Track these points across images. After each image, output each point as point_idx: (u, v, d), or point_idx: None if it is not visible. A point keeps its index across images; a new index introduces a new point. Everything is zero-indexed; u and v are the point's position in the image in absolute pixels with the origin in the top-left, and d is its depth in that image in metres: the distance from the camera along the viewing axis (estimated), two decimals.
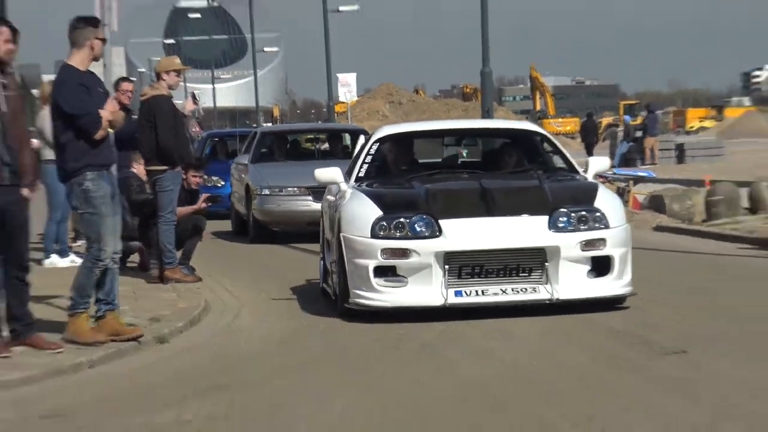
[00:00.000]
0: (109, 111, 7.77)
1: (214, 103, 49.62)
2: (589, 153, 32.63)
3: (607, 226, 8.28)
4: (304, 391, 6.44)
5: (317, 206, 12.06)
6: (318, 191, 12.68)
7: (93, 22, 8.10)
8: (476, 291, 8.22)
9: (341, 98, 40.84)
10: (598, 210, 8.36)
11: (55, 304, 9.19)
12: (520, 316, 8.23)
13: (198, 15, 59.95)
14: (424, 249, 8.26)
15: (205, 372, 7.17)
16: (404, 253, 8.31)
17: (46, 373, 7.18)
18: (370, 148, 10.25)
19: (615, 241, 8.33)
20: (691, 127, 64.13)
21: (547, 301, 8.14)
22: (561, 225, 8.30)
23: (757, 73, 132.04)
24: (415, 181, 9.35)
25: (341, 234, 8.75)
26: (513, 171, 9.77)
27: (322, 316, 9.04)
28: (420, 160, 10.60)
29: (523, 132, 10.91)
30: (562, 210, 8.33)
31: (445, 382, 6.51)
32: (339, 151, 16.80)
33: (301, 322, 9.12)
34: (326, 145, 18.23)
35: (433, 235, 8.32)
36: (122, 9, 11.11)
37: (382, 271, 8.36)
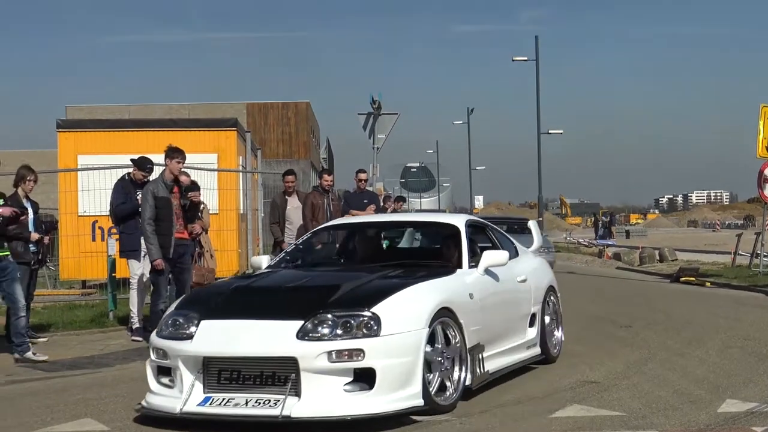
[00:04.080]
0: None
1: (420, 206, 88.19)
2: (596, 234, 53.91)
3: (374, 334, 6.71)
4: None
5: None
6: None
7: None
8: (224, 399, 6.79)
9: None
10: (372, 316, 6.80)
11: None
12: None
13: (415, 169, 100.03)
14: (175, 351, 7.02)
15: None
16: (165, 353, 7.10)
17: None
18: (302, 239, 10.08)
19: (381, 351, 6.68)
20: (632, 223, 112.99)
21: (279, 418, 6.55)
22: (313, 332, 6.74)
23: (661, 198, 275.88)
24: (273, 272, 8.62)
25: None
26: (381, 264, 8.58)
27: None
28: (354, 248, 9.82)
29: (438, 224, 10.12)
30: (324, 315, 6.82)
31: None
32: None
33: None
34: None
35: (188, 337, 7.04)
36: (380, 168, 17.26)
37: (162, 371, 7.21)
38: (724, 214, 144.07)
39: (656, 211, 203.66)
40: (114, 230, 13.34)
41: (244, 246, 19.48)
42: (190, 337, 7.05)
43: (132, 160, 12.39)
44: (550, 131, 46.30)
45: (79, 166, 17.97)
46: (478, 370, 7.75)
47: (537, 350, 9.47)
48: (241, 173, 19.56)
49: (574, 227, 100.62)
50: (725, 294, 18.63)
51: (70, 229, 17.83)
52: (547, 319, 9.81)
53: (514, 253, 9.54)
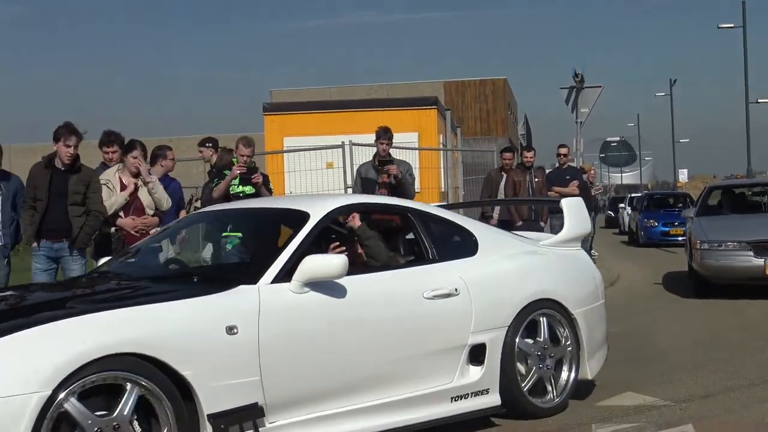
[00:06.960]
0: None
1: (621, 180, 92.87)
2: None
3: None
4: None
5: (759, 262, 12.44)
6: (759, 245, 12.61)
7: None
8: None
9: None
10: None
11: None
12: None
13: (615, 143, 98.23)
14: None
15: None
16: None
17: None
18: (163, 228, 7.87)
19: None
20: None
21: None
22: None
23: None
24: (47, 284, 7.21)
25: None
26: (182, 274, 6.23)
27: None
28: None
29: (283, 212, 6.45)
30: None
31: None
32: None
33: None
34: None
35: None
36: (583, 142, 16.78)
37: None
38: None
39: None
40: None
41: None
42: None
43: None
44: (759, 100, 44.21)
45: (284, 148, 18.45)
46: None
47: (490, 400, 6.09)
48: (441, 152, 19.61)
49: None
50: None
51: None
52: (527, 353, 6.31)
53: (464, 250, 6.38)
